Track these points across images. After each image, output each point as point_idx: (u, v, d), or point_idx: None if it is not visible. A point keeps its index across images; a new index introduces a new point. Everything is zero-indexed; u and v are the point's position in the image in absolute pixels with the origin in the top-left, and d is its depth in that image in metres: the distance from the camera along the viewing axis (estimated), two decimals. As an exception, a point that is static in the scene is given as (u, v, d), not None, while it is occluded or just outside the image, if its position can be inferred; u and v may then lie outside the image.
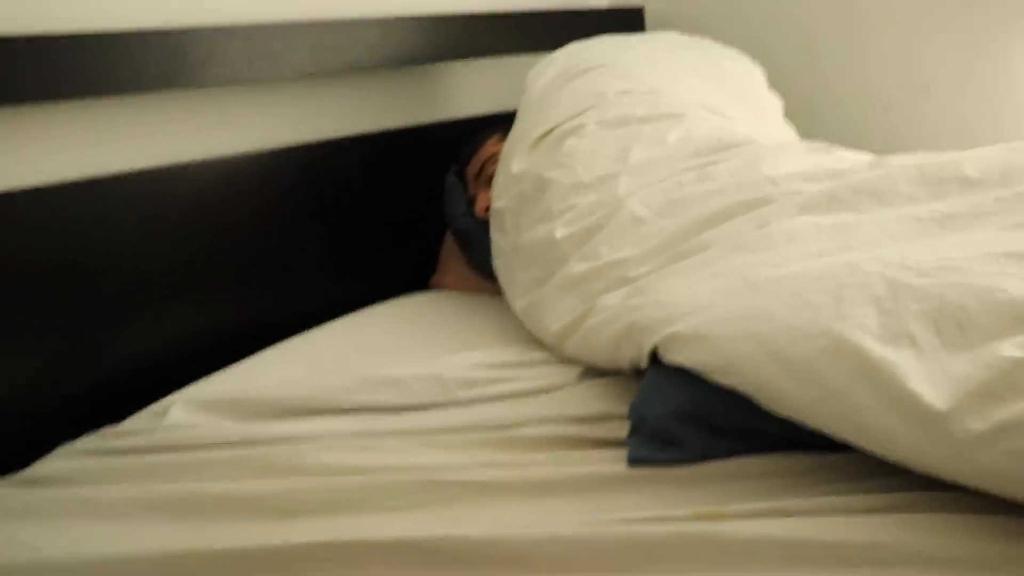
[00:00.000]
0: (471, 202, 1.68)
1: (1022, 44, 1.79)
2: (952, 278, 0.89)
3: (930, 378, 0.81)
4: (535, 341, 1.35)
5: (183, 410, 1.21)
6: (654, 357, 1.04)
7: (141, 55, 1.36)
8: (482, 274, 1.65)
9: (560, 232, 1.33)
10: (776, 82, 1.80)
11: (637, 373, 1.11)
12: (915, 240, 1.01)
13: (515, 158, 1.49)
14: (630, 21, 2.22)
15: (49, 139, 1.35)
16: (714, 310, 0.99)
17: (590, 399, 1.14)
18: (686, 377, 0.98)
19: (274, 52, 1.52)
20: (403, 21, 1.70)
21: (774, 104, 1.74)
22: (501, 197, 1.48)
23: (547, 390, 1.19)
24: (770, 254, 1.06)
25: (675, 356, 0.99)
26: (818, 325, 0.89)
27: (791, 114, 1.78)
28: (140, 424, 1.22)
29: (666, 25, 2.22)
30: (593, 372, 1.21)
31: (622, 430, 1.03)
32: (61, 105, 1.34)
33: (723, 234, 1.16)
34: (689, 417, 0.96)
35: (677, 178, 1.32)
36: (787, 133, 1.69)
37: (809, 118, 1.85)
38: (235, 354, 1.44)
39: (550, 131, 1.48)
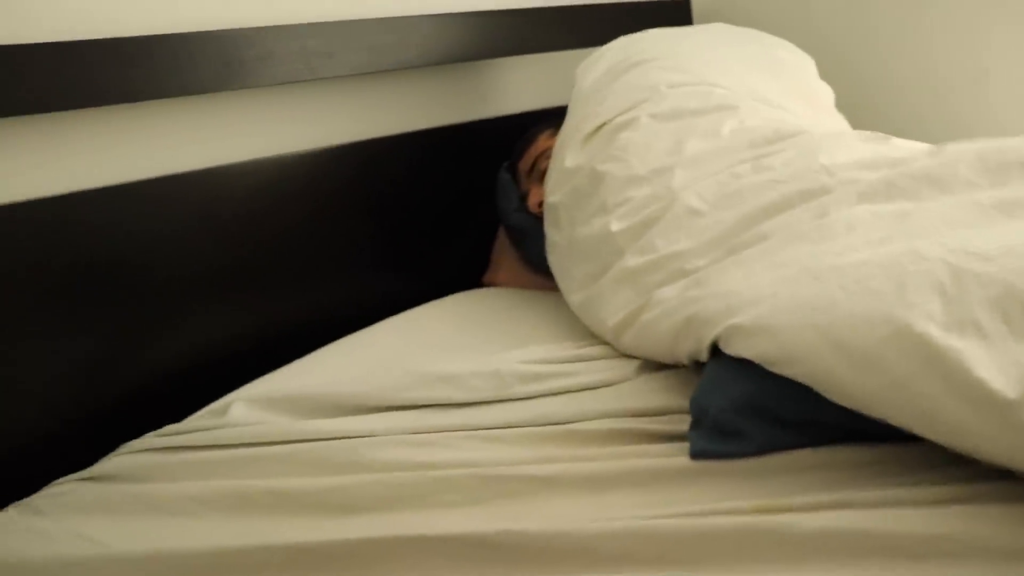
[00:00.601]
0: (524, 197, 1.68)
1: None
2: (1018, 264, 0.87)
3: (998, 366, 0.79)
4: (592, 336, 1.35)
5: (244, 408, 1.23)
6: (715, 349, 1.03)
7: (199, 57, 1.38)
8: (536, 270, 1.66)
9: (615, 225, 1.33)
10: (829, 71, 1.78)
11: (697, 366, 1.10)
12: (978, 227, 1.00)
13: (568, 152, 1.48)
14: (677, 13, 2.21)
15: (111, 142, 1.37)
16: (775, 300, 0.98)
17: (649, 393, 1.13)
18: (747, 368, 0.97)
19: (330, 51, 1.54)
20: (455, 17, 1.71)
21: (826, 94, 1.73)
22: (555, 192, 1.48)
23: (606, 384, 1.19)
24: (830, 243, 1.05)
25: (736, 347, 0.98)
26: (881, 312, 0.88)
27: (845, 103, 1.76)
28: (201, 422, 1.24)
29: (713, 17, 2.22)
30: (652, 366, 1.21)
31: (683, 423, 1.03)
32: (125, 108, 1.37)
33: (781, 224, 1.15)
34: (750, 409, 0.95)
35: (732, 169, 1.31)
36: (840, 123, 1.67)
37: (863, 107, 1.83)
38: (291, 352, 1.46)
39: (603, 125, 1.48)
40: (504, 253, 1.76)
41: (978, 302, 0.85)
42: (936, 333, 0.83)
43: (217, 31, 1.39)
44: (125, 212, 1.35)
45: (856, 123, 1.71)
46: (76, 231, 1.30)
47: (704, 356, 1.05)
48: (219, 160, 1.48)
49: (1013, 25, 1.81)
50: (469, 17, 1.74)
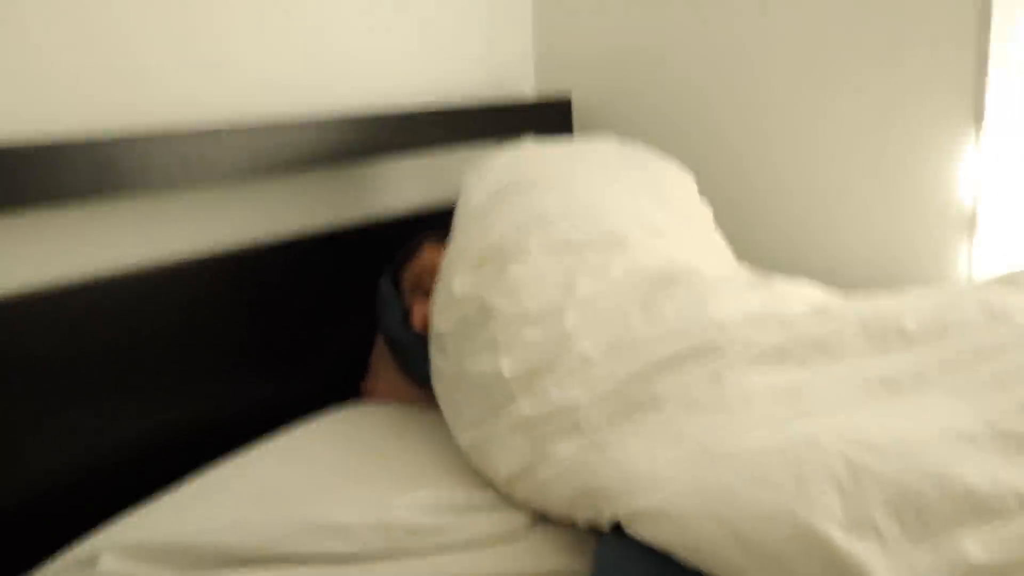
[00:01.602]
0: (407, 312, 1.66)
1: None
2: (909, 463, 0.92)
3: (896, 573, 0.83)
4: (479, 476, 1.34)
5: (115, 559, 1.16)
6: (614, 524, 1.04)
7: (70, 166, 1.32)
8: (417, 384, 1.64)
9: (507, 369, 1.32)
10: (699, 180, 1.86)
11: (592, 528, 1.11)
12: (866, 407, 1.05)
13: (456, 278, 1.47)
14: (558, 112, 2.24)
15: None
16: (675, 485, 1.00)
17: (545, 553, 1.14)
18: (647, 550, 0.98)
19: (208, 158, 1.50)
20: (336, 122, 1.69)
21: (706, 214, 1.77)
22: (442, 318, 1.47)
23: (499, 540, 1.18)
24: (725, 417, 1.08)
25: (638, 531, 0.99)
26: (782, 509, 0.91)
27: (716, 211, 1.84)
28: (69, 575, 1.16)
29: (592, 116, 2.26)
30: (543, 518, 1.21)
31: (579, 592, 1.04)
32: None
33: (676, 386, 1.17)
34: (654, 594, 0.97)
35: (625, 318, 1.33)
36: (720, 245, 1.72)
37: (732, 218, 1.90)
38: (165, 466, 1.42)
39: (492, 251, 1.48)
40: (383, 362, 1.74)
41: (874, 502, 0.89)
42: (838, 536, 0.87)
43: (87, 142, 1.34)
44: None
45: (728, 232, 1.80)
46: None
47: (602, 527, 1.06)
48: (90, 271, 1.42)
49: (866, 148, 1.92)
50: (351, 121, 1.72)
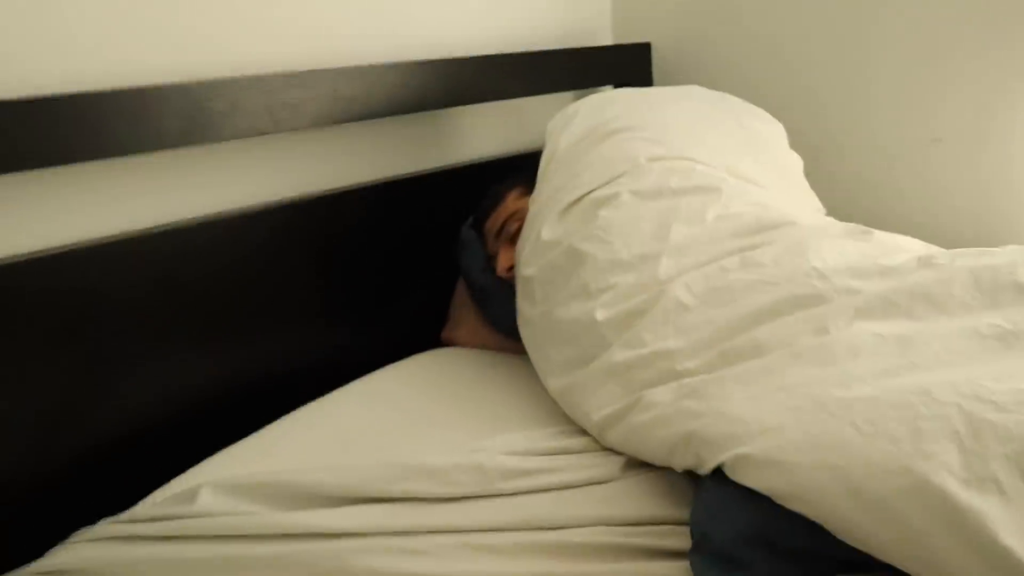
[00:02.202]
0: (491, 259, 1.66)
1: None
2: (1033, 416, 0.90)
3: (1021, 530, 0.81)
4: (570, 420, 1.33)
5: (213, 495, 1.18)
6: (715, 470, 1.03)
7: (162, 111, 1.33)
8: (499, 331, 1.64)
9: (600, 314, 1.31)
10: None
11: (690, 473, 1.10)
12: (981, 361, 1.02)
13: (545, 224, 1.47)
14: (637, 60, 2.21)
15: (67, 203, 1.32)
16: (785, 433, 0.98)
17: (640, 498, 1.13)
18: (752, 497, 0.97)
19: (294, 102, 1.49)
20: (418, 65, 1.68)
21: (796, 164, 1.74)
22: (530, 264, 1.46)
23: (592, 482, 1.17)
24: (835, 370, 1.05)
25: (743, 477, 0.98)
26: (898, 461, 0.89)
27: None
28: (167, 509, 1.18)
29: (672, 65, 2.22)
30: (637, 463, 1.20)
31: (678, 538, 1.04)
32: (84, 166, 1.30)
33: (777, 335, 1.15)
34: (756, 539, 0.96)
35: (720, 262, 1.31)
36: (811, 197, 1.69)
37: (816, 171, 1.84)
38: (251, 412, 1.44)
39: (581, 197, 1.47)
40: (464, 309, 1.74)
41: (996, 457, 0.87)
42: (956, 490, 0.85)
43: (180, 84, 1.34)
44: (80, 274, 1.29)
45: (816, 187, 1.75)
46: (30, 294, 1.24)
47: (703, 472, 1.05)
48: (179, 216, 1.43)
49: (965, 92, 1.86)
50: (432, 65, 1.71)
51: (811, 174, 1.77)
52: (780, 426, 0.99)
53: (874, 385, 1.00)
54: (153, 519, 1.18)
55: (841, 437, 0.94)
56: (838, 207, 1.77)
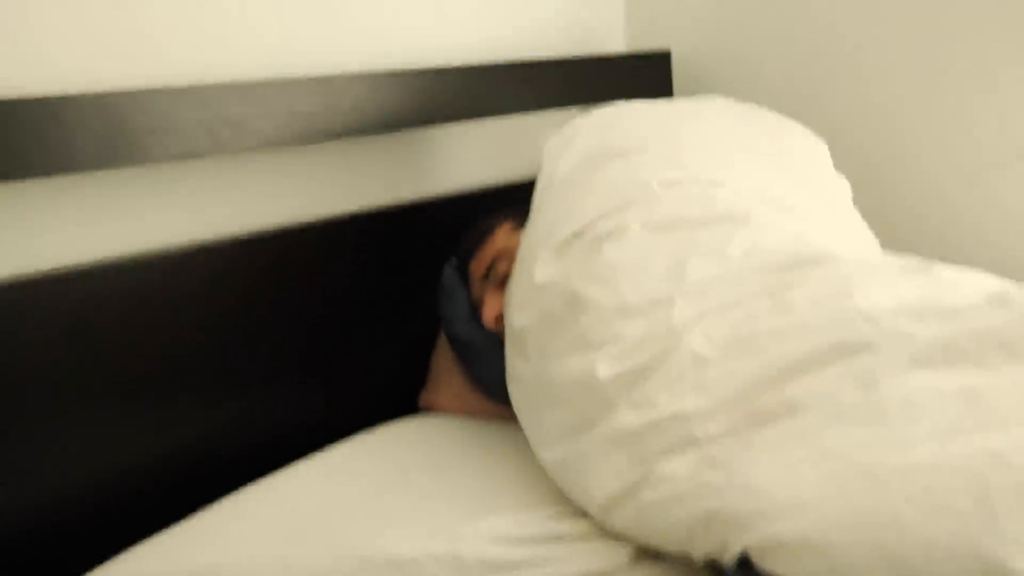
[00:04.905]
0: (476, 307, 1.64)
1: None
2: None
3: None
4: (567, 500, 1.30)
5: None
6: (743, 559, 0.99)
7: (74, 126, 1.31)
8: (488, 394, 1.62)
9: (603, 370, 1.28)
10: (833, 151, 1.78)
11: (712, 565, 1.07)
12: (1066, 418, 0.98)
13: (538, 263, 1.44)
14: (655, 69, 2.21)
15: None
16: (824, 508, 0.96)
17: (651, 596, 1.09)
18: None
19: (238, 119, 1.48)
20: (391, 77, 1.67)
21: (843, 189, 1.71)
22: (522, 313, 1.44)
23: (595, 576, 1.14)
24: (885, 431, 1.03)
25: (774, 565, 0.96)
26: (965, 542, 0.87)
27: (857, 191, 1.75)
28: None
29: (695, 75, 2.22)
30: (645, 552, 1.18)
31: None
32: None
33: (816, 391, 1.12)
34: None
35: (747, 305, 1.28)
36: (863, 230, 1.65)
37: (868, 197, 1.81)
38: (183, 492, 1.42)
39: (582, 230, 1.44)
40: (447, 369, 1.72)
41: (1085, 534, 0.83)
42: (1036, 575, 0.81)
43: (96, 94, 1.32)
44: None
45: (868, 210, 1.72)
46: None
47: (727, 560, 1.02)
48: (94, 254, 1.42)
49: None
50: (409, 76, 1.70)
51: (861, 201, 1.74)
52: (819, 499, 0.97)
53: (934, 449, 0.98)
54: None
55: (894, 512, 0.92)
56: (896, 240, 1.75)
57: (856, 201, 1.73)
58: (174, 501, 1.40)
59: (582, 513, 1.27)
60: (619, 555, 1.17)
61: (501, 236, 1.65)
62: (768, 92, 2.07)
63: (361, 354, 1.72)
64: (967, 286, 1.28)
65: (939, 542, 0.88)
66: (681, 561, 1.13)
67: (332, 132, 1.60)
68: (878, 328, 1.17)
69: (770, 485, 1.02)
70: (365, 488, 1.39)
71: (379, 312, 1.73)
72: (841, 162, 1.76)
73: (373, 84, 1.65)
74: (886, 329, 1.17)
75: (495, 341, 1.57)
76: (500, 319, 1.57)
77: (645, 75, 2.19)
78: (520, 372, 1.43)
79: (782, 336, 1.21)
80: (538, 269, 1.44)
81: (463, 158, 1.97)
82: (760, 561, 0.97)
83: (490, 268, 1.63)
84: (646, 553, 1.17)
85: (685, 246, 1.38)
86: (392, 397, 1.74)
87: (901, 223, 1.95)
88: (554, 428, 1.33)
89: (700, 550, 1.06)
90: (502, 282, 1.60)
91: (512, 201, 1.75)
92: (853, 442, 1.03)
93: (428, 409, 1.72)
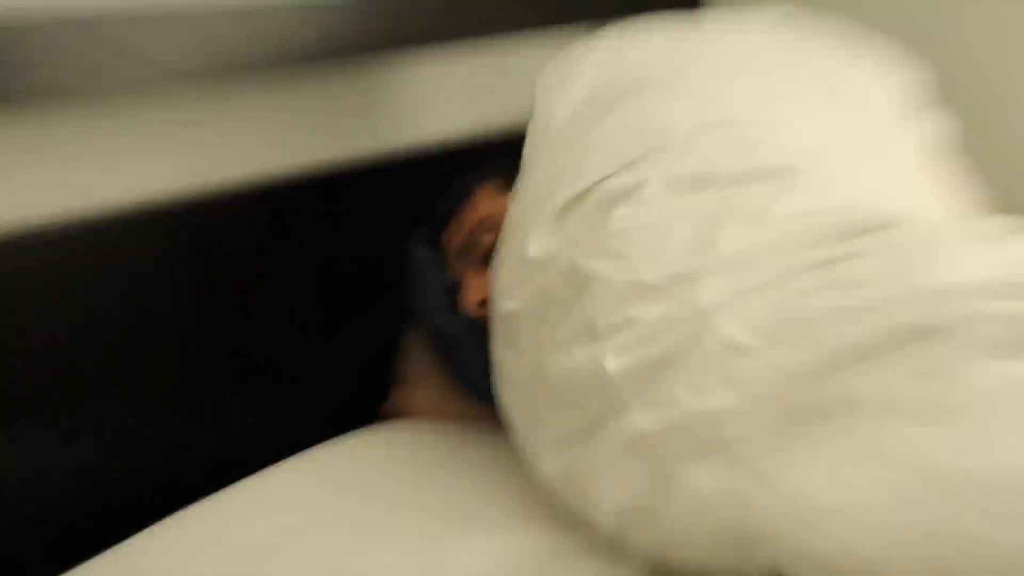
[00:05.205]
0: (453, 289, 1.69)
1: None
2: None
3: None
4: (570, 516, 1.37)
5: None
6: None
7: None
8: (470, 393, 1.68)
9: (613, 362, 1.34)
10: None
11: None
12: None
13: (532, 233, 1.49)
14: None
15: None
16: (874, 516, 1.02)
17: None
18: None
19: (144, 49, 1.52)
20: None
21: (939, 131, 1.73)
22: (512, 293, 1.49)
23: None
24: (954, 430, 1.09)
25: (812, 580, 1.02)
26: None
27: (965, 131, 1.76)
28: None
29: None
30: (666, 570, 1.25)
31: None
32: None
33: (874, 384, 1.18)
34: None
35: (792, 282, 1.33)
36: (960, 187, 1.68)
37: (979, 143, 1.83)
38: (110, 514, 1.48)
39: (587, 191, 1.48)
40: (419, 366, 1.78)
41: None
42: None
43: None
44: None
45: (981, 166, 1.74)
46: None
47: (757, 577, 1.10)
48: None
49: None
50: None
51: (970, 148, 1.74)
52: (869, 507, 1.03)
53: (1013, 452, 1.03)
54: None
55: (963, 527, 0.98)
56: (1012, 197, 1.75)
57: (967, 147, 1.74)
58: (96, 528, 1.45)
59: (585, 527, 1.34)
60: (633, 573, 1.25)
61: (483, 200, 1.70)
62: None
63: (315, 351, 1.79)
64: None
65: (1015, 559, 0.94)
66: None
67: (259, 61, 1.63)
68: (953, 308, 1.22)
69: (811, 490, 1.09)
70: (330, 507, 1.47)
71: (334, 298, 1.80)
72: (947, 96, 1.75)
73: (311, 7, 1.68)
74: (962, 310, 1.22)
75: (479, 331, 1.61)
76: (485, 304, 1.61)
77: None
78: (510, 366, 1.49)
79: (835, 319, 1.27)
80: (532, 241, 1.48)
81: (434, 101, 2.01)
82: (795, 576, 1.04)
83: (470, 240, 1.68)
84: (661, 571, 1.24)
85: (717, 209, 1.42)
86: (355, 402, 1.80)
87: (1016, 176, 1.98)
88: (552, 432, 1.40)
89: (723, 567, 1.14)
90: (486, 258, 1.64)
91: (497, 156, 1.76)
92: (915, 443, 1.09)
93: (396, 415, 1.78)
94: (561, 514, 1.39)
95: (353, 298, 1.83)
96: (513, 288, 1.50)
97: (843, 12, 1.85)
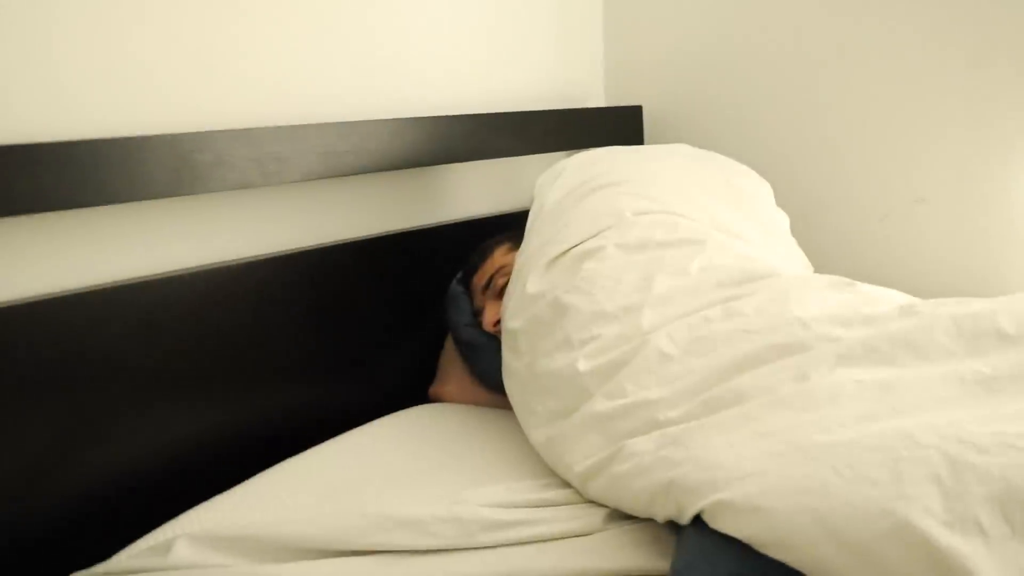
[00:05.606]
0: (477, 313, 1.65)
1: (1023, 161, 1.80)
2: (1015, 459, 0.87)
3: (1003, 572, 0.79)
4: (553, 473, 1.31)
5: (188, 546, 1.15)
6: (695, 518, 1.00)
7: (149, 161, 1.32)
8: (488, 386, 1.62)
9: (583, 365, 1.30)
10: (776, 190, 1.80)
11: (671, 524, 1.08)
12: (963, 406, 1.00)
13: (530, 277, 1.46)
14: (628, 121, 2.22)
15: (53, 249, 1.31)
16: (765, 478, 0.96)
17: (621, 549, 1.10)
18: (731, 544, 0.95)
19: (283, 156, 1.49)
20: (410, 122, 1.69)
21: (783, 221, 1.73)
22: (516, 316, 1.45)
23: (574, 535, 1.15)
24: (815, 415, 1.04)
25: (723, 524, 0.96)
26: (879, 504, 0.87)
27: (792, 221, 1.78)
28: (142, 561, 1.16)
29: (663, 125, 2.23)
30: (620, 515, 1.18)
31: (659, 589, 1.01)
32: (71, 214, 1.31)
33: (759, 383, 1.13)
34: (737, 587, 0.93)
35: (703, 312, 1.30)
36: (796, 252, 1.68)
37: (803, 229, 1.84)
38: (234, 467, 1.41)
39: (567, 251, 1.46)
40: (452, 365, 1.73)
41: (978, 499, 0.85)
42: (938, 532, 0.82)
43: (169, 135, 1.34)
44: (65, 323, 1.28)
45: (804, 243, 1.74)
46: (13, 342, 1.22)
47: (684, 521, 1.03)
48: (165, 267, 1.43)
49: (953, 152, 1.86)
50: (424, 122, 1.72)
51: (798, 232, 1.77)
52: (760, 471, 0.97)
53: (855, 430, 0.99)
54: (126, 572, 1.15)
55: (821, 481, 0.92)
56: (825, 264, 1.77)
57: (793, 231, 1.76)
58: (224, 473, 1.39)
59: (565, 483, 1.27)
60: (596, 517, 1.17)
61: (500, 255, 1.67)
62: (723, 141, 2.08)
63: (383, 353, 1.72)
64: (882, 299, 1.30)
65: (857, 503, 0.88)
66: (647, 522, 1.14)
67: (360, 168, 1.61)
68: (811, 332, 1.19)
69: (720, 459, 1.02)
70: (384, 463, 1.40)
71: (396, 318, 1.74)
72: (782, 199, 1.79)
73: (395, 128, 1.66)
74: (817, 333, 1.19)
75: (494, 342, 1.58)
76: (498, 323, 1.58)
77: (620, 125, 2.20)
78: (513, 366, 1.45)
79: (732, 338, 1.23)
80: (530, 281, 1.46)
81: (468, 192, 1.98)
82: (711, 522, 0.98)
83: (490, 281, 1.64)
84: (618, 515, 1.18)
85: (653, 264, 1.40)
86: (408, 390, 1.74)
87: (829, 249, 1.96)
88: (542, 413, 1.35)
89: (662, 513, 1.07)
90: (500, 293, 1.62)
91: (509, 227, 1.77)
92: (788, 425, 1.04)
93: (436, 399, 1.73)
94: (547, 470, 1.33)
95: (412, 318, 1.77)
96: (517, 312, 1.47)
97: (722, 148, 1.88)
